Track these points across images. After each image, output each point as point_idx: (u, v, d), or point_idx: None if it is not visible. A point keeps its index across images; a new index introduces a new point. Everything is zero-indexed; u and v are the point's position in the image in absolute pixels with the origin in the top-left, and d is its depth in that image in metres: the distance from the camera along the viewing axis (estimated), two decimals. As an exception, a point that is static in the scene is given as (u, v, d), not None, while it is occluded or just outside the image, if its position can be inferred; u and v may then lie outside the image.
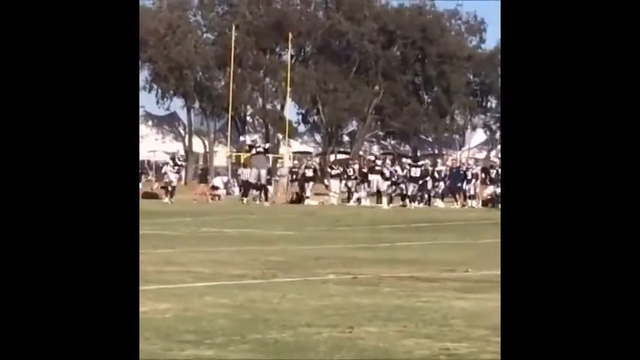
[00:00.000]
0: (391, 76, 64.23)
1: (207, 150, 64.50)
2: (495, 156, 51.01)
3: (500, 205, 28.89)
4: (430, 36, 64.42)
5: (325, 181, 38.60)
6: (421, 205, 33.59)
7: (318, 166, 41.64)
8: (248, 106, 63.79)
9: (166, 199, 33.38)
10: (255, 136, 57.75)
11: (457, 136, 70.20)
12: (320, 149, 66.62)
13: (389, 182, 33.63)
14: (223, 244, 13.43)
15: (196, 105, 64.42)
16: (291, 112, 62.59)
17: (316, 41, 63.25)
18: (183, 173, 37.06)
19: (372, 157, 35.96)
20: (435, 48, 64.33)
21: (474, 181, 34.64)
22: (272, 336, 5.50)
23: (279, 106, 62.68)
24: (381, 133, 68.30)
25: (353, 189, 35.44)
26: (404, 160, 43.87)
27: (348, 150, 64.20)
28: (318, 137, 69.12)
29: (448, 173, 35.15)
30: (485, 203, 33.77)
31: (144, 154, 53.13)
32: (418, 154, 63.88)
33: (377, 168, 34.09)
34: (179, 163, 35.94)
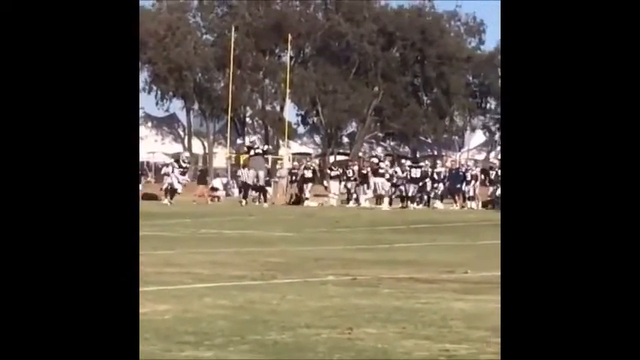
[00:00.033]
0: (390, 77, 64.28)
1: (207, 151, 64.51)
2: (495, 157, 51.05)
3: (499, 207, 28.92)
4: (429, 37, 64.47)
5: (325, 182, 38.56)
6: (420, 206, 33.59)
7: (317, 168, 41.61)
8: (247, 108, 63.87)
9: (165, 201, 33.36)
10: (255, 138, 57.84)
11: (456, 138, 70.24)
12: (319, 150, 66.66)
13: (389, 184, 33.66)
14: (223, 246, 13.43)
15: (196, 106, 64.48)
16: (290, 113, 62.63)
17: (316, 42, 63.30)
18: (188, 175, 36.75)
19: (375, 160, 35.43)
20: (434, 49, 64.39)
21: (473, 182, 34.63)
22: (271, 337, 5.51)
23: (278, 107, 62.68)
24: (380, 135, 68.34)
25: (352, 190, 35.42)
26: (402, 161, 43.85)
27: (348, 151, 64.21)
28: (317, 138, 69.16)
29: (447, 174, 35.13)
30: (484, 204, 33.77)
31: (143, 156, 53.16)
32: (417, 155, 63.93)
33: (380, 171, 34.01)
34: (184, 165, 35.77)
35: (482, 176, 35.48)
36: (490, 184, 34.47)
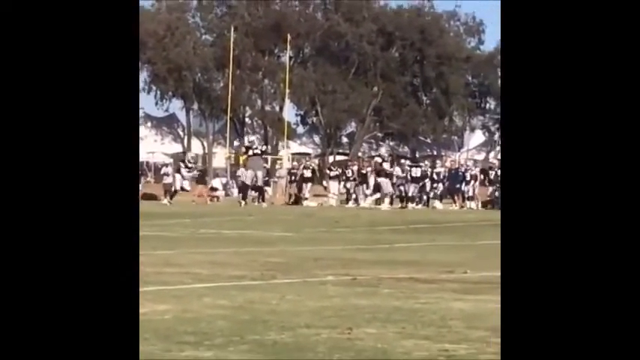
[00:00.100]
0: (390, 77, 64.30)
1: (206, 151, 64.52)
2: (494, 157, 51.08)
3: (498, 207, 28.94)
4: (429, 37, 64.50)
5: (324, 182, 38.59)
6: (420, 206, 33.60)
7: (316, 168, 41.63)
8: (247, 108, 63.90)
9: (165, 201, 33.37)
10: (254, 138, 57.87)
11: (456, 138, 70.27)
12: (319, 150, 66.68)
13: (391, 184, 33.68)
14: (222, 246, 13.43)
15: (195, 106, 64.50)
16: (289, 113, 62.74)
17: (315, 42, 63.32)
18: (193, 174, 36.57)
19: (379, 160, 35.02)
20: (433, 49, 64.41)
21: (472, 182, 34.65)
22: (271, 337, 5.50)
23: (277, 107, 62.77)
24: (379, 135, 68.35)
25: (352, 190, 35.43)
26: (402, 160, 43.85)
27: (347, 151, 64.24)
28: (316, 138, 69.18)
29: (447, 174, 35.15)
30: (484, 204, 33.79)
31: (142, 156, 53.17)
32: (417, 155, 63.95)
33: (387, 171, 33.88)
34: (189, 165, 35.70)
35: (482, 176, 35.51)
36: (489, 184, 34.51)
